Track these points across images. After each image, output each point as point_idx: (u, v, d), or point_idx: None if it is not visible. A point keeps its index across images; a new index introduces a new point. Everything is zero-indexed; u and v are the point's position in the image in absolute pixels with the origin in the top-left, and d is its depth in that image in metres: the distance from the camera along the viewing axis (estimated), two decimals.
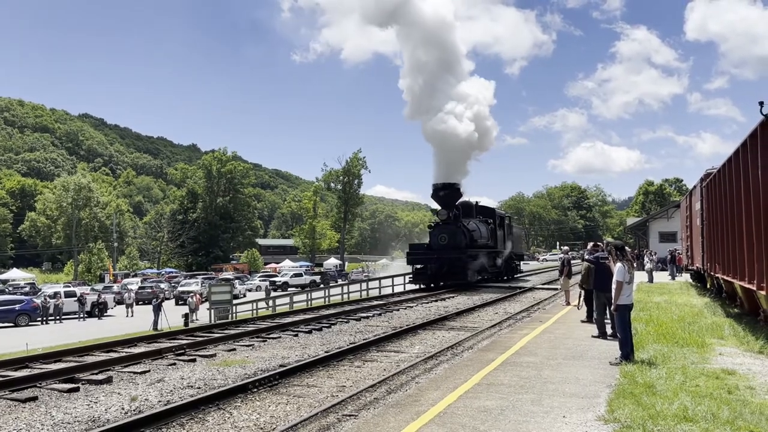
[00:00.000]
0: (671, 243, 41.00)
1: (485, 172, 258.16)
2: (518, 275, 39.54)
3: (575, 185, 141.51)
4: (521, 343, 10.61)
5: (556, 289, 25.34)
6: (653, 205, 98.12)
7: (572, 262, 19.86)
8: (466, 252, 27.68)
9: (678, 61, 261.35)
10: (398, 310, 19.70)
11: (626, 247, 9.32)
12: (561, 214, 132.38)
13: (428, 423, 5.90)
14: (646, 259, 30.49)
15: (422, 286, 29.15)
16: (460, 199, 30.64)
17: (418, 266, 29.13)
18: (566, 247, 24.06)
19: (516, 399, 6.73)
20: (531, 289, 27.94)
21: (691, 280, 26.59)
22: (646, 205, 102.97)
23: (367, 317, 17.75)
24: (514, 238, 38.12)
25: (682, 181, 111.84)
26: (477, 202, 33.04)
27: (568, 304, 17.34)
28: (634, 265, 9.44)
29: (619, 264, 8.57)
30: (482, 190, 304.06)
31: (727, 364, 8.37)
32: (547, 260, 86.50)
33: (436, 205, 30.68)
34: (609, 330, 10.77)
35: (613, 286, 8.59)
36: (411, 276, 30.01)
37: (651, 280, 27.34)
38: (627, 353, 8.51)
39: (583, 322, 13.05)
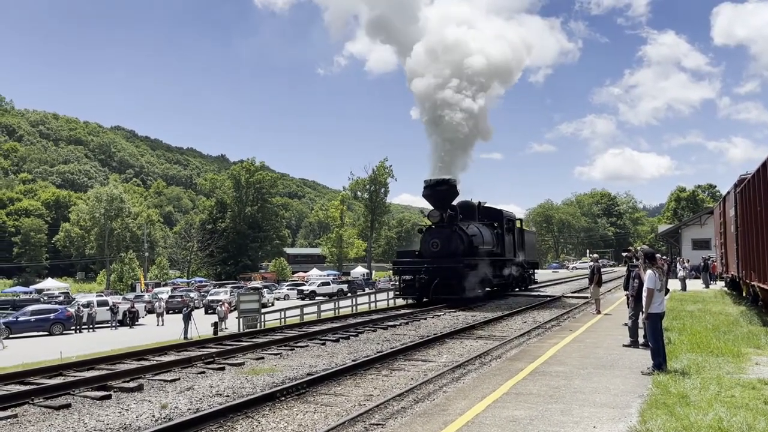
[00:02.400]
0: (705, 250, 40.16)
1: (511, 180, 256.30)
2: (533, 286, 35.50)
3: (605, 192, 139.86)
4: (550, 353, 10.47)
5: (585, 297, 24.98)
6: (686, 211, 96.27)
7: (603, 270, 19.51)
8: (462, 261, 23.49)
9: (709, 66, 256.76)
10: (425, 318, 19.62)
11: (657, 254, 9.15)
12: (591, 222, 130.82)
13: None
14: (678, 266, 29.89)
15: (410, 301, 25.53)
16: (460, 200, 27.11)
17: (407, 278, 25.00)
18: (596, 255, 23.54)
19: (545, 409, 6.64)
20: (559, 298, 27.54)
21: (725, 288, 25.99)
22: (678, 211, 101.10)
23: (394, 326, 17.71)
24: (527, 244, 33.76)
25: (715, 187, 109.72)
26: (480, 202, 28.95)
27: (598, 312, 17.07)
28: (665, 272, 9.25)
29: (649, 271, 8.41)
30: (509, 199, 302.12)
31: (764, 374, 8.14)
32: (576, 268, 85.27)
33: (429, 206, 26.33)
34: (641, 339, 10.57)
35: (644, 294, 8.43)
36: (396, 290, 26.34)
37: (684, 288, 26.82)
38: (659, 363, 8.34)
39: (624, 325, 12.94)
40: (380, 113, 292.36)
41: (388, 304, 29.42)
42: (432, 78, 27.37)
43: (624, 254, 12.74)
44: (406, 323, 18.33)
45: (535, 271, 37.26)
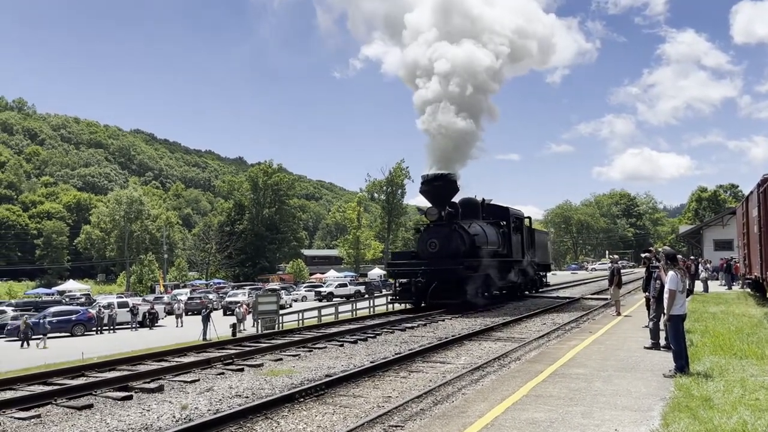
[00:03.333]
0: (727, 251, 39.57)
1: (529, 182, 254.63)
2: (544, 290, 33.58)
3: (624, 192, 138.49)
4: (570, 355, 10.39)
5: (605, 299, 24.76)
6: (707, 212, 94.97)
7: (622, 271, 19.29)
8: (463, 262, 21.81)
9: (729, 64, 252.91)
10: (443, 320, 19.57)
11: (678, 255, 9.04)
12: (610, 222, 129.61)
13: None
14: (700, 267, 29.50)
15: (407, 306, 24.33)
16: (462, 197, 25.86)
17: (403, 281, 23.74)
18: (616, 256, 23.33)
19: (565, 411, 6.58)
20: (578, 300, 27.31)
21: (748, 290, 25.60)
22: (700, 212, 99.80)
23: (412, 327, 17.68)
24: (538, 244, 31.82)
25: (737, 186, 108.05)
26: (484, 199, 27.16)
27: (618, 314, 16.90)
28: (689, 273, 9.14)
29: (671, 272, 8.30)
30: (527, 200, 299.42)
31: None
32: (595, 269, 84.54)
33: (427, 203, 24.55)
34: (663, 341, 10.44)
35: (665, 295, 8.33)
36: (392, 295, 25.08)
37: (706, 289, 26.47)
38: (682, 365, 8.23)
39: (644, 327, 12.83)
40: (397, 115, 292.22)
41: (405, 306, 29.36)
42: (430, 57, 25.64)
43: (643, 255, 12.59)
44: (424, 325, 18.30)
45: (548, 273, 35.52)
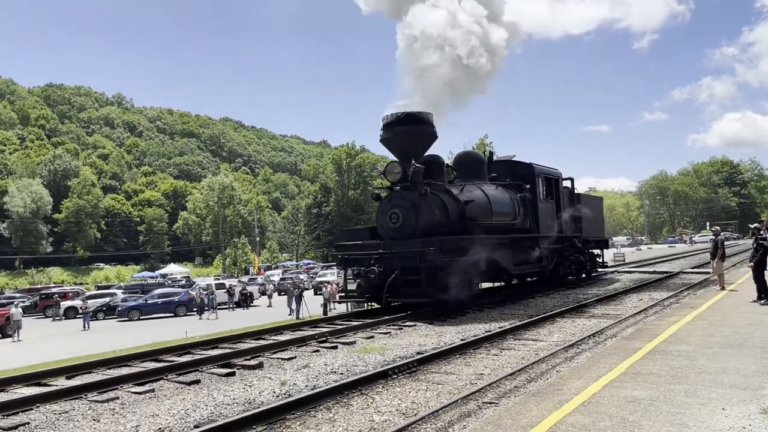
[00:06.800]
0: None
1: (620, 153, 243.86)
2: (597, 274, 26.23)
3: (726, 159, 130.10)
4: (670, 331, 9.98)
5: (707, 272, 23.54)
6: None
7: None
8: (435, 242, 14.89)
9: None
10: (533, 297, 19.26)
11: None
12: (710, 192, 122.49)
13: (572, 412, 5.73)
14: None
15: (350, 308, 18.62)
16: (461, 152, 20.38)
17: (354, 270, 16.74)
18: (717, 228, 21.91)
19: (667, 390, 6.35)
20: (676, 275, 26.09)
21: None
22: None
23: (501, 305, 17.52)
24: (587, 214, 23.83)
25: None
26: (494, 153, 21.07)
27: (722, 288, 16.04)
28: None
29: None
30: (617, 171, 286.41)
31: None
32: (695, 242, 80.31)
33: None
34: None
35: None
36: (340, 291, 19.00)
37: None
38: None
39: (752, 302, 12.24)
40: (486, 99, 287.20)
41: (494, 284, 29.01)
42: None
43: (752, 226, 11.87)
44: (513, 302, 18.09)
45: (603, 251, 27.13)
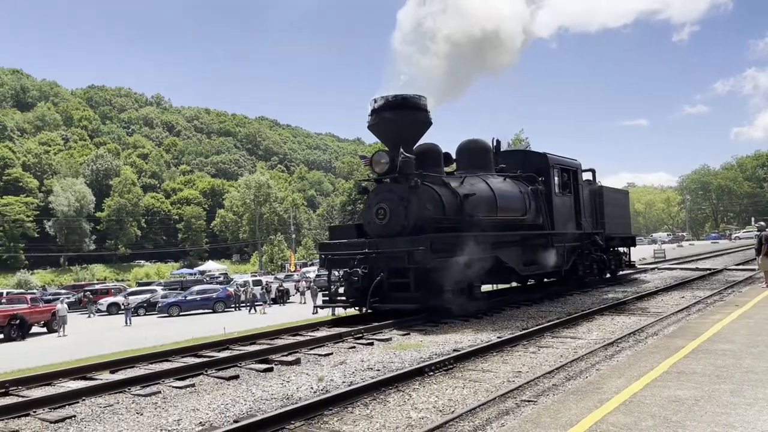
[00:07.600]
0: None
1: (659, 147, 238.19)
2: (624, 273, 24.44)
3: None
4: (714, 329, 9.73)
5: (752, 270, 22.87)
6: None
7: None
8: (425, 240, 13.44)
9: None
10: (571, 295, 19.00)
11: None
12: (755, 186, 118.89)
13: (613, 411, 5.64)
14: None
15: (334, 314, 16.54)
16: (464, 140, 17.97)
17: (336, 272, 15.59)
18: (762, 223, 21.18)
19: (711, 389, 6.20)
20: (720, 272, 25.41)
21: None
22: None
23: (539, 302, 17.34)
24: (610, 209, 22.14)
25: None
26: (499, 141, 18.57)
27: None
28: None
29: None
30: (657, 166, 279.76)
31: None
32: (739, 238, 78.08)
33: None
34: None
35: None
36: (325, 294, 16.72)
37: None
38: None
39: None
40: (518, 96, 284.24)
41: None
42: None
43: None
44: (551, 300, 17.88)
45: (631, 249, 25.11)
